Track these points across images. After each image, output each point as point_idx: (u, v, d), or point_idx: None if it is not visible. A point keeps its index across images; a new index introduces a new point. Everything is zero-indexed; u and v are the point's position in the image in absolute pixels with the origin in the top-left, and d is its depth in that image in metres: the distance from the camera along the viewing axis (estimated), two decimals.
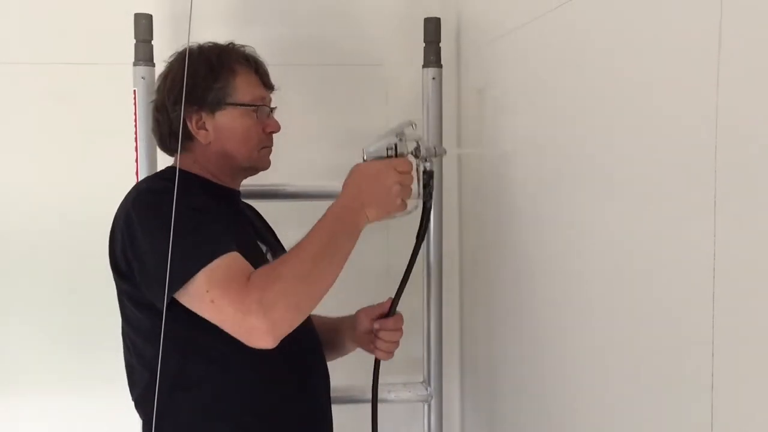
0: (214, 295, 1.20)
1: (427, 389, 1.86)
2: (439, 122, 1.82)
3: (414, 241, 1.44)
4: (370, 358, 1.53)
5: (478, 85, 1.77)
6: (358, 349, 1.59)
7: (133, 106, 1.68)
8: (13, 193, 1.87)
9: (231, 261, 1.24)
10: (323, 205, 1.88)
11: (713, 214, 0.83)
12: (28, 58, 1.85)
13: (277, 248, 1.52)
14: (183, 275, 1.21)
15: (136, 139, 1.68)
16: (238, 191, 1.51)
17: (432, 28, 1.81)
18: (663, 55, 0.95)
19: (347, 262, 1.89)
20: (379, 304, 1.52)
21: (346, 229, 1.31)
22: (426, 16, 1.81)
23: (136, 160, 1.69)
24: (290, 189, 1.80)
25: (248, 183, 1.54)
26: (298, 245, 1.28)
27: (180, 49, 1.43)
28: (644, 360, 1.00)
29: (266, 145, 1.47)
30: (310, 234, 1.30)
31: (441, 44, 1.81)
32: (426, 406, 1.87)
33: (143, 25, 1.69)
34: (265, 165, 1.48)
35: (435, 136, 1.82)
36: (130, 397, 1.38)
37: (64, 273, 1.87)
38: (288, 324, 1.22)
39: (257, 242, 1.45)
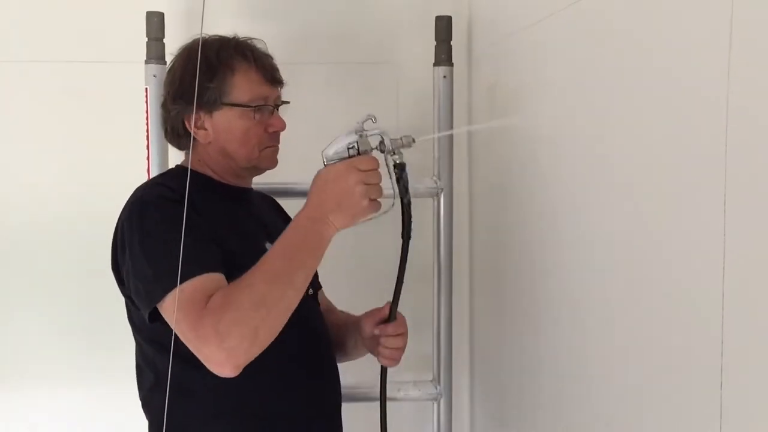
0: (177, 317, 1.15)
1: (436, 387, 1.86)
2: (450, 120, 1.82)
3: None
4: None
5: (489, 83, 1.77)
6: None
7: (145, 104, 1.69)
8: (26, 189, 1.88)
9: (200, 283, 1.18)
10: None
11: (723, 211, 0.83)
12: (39, 56, 1.86)
13: None
14: (155, 297, 1.20)
15: (147, 137, 1.69)
16: (248, 189, 1.47)
17: (443, 26, 1.81)
18: (674, 52, 0.95)
19: (355, 258, 1.89)
20: (381, 308, 1.44)
21: (308, 244, 1.22)
22: (437, 15, 1.82)
23: (148, 158, 1.69)
24: (299, 187, 1.79)
25: (258, 180, 1.52)
26: (256, 266, 1.20)
27: (188, 42, 1.39)
28: (654, 357, 1.00)
29: (269, 145, 1.39)
30: (270, 252, 1.21)
31: (452, 42, 1.82)
32: (435, 405, 1.87)
33: (155, 23, 1.69)
34: (269, 165, 1.41)
35: (445, 135, 1.82)
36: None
37: (75, 268, 1.88)
38: (244, 353, 1.15)
39: (265, 244, 1.35)
